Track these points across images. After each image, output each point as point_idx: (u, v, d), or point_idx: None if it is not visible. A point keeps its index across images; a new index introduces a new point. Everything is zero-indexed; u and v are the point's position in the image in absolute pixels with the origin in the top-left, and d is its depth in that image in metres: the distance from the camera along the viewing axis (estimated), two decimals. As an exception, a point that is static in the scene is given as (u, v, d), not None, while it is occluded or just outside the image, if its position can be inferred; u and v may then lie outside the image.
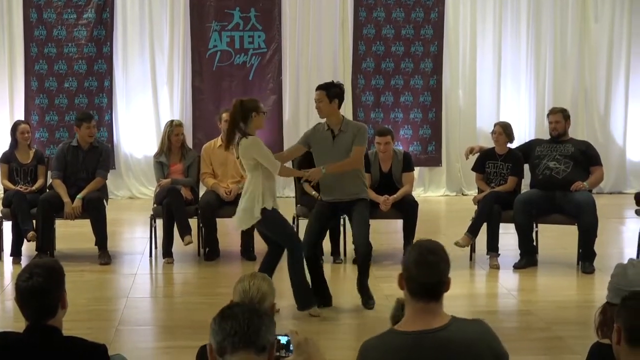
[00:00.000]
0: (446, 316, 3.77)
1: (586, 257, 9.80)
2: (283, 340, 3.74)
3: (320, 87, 8.36)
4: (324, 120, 8.44)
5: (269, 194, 7.86)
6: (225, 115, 10.54)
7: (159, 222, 10.37)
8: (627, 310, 3.47)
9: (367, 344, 3.79)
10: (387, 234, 11.05)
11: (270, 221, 7.93)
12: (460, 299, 8.36)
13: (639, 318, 3.43)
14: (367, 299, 8.31)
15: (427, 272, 3.73)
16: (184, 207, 10.19)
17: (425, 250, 3.80)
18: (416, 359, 3.65)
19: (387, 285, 8.73)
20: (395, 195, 10.00)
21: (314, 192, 10.05)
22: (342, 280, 9.75)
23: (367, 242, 8.24)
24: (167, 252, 10.19)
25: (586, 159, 10.07)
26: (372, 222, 9.93)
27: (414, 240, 4.73)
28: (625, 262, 4.32)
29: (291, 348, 3.74)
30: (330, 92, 8.26)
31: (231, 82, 15.37)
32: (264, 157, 7.80)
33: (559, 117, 10.19)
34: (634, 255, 9.91)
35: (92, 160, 10.32)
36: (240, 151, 7.85)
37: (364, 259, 8.26)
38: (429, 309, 3.73)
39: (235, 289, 4.26)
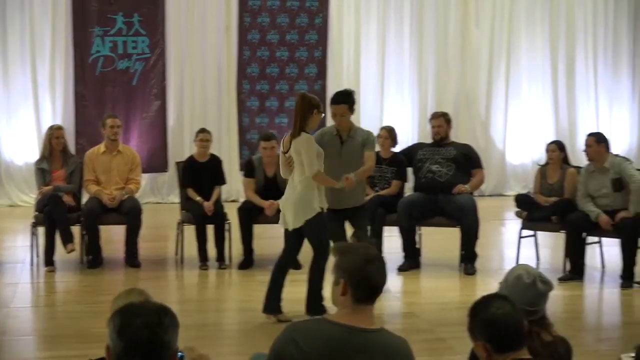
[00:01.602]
0: (377, 323, 3.81)
1: (468, 259, 9.97)
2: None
3: (339, 101, 8.38)
4: (331, 124, 8.55)
5: (321, 194, 7.82)
6: (110, 121, 10.43)
7: (41, 230, 10.19)
8: (482, 324, 3.52)
9: (296, 325, 3.78)
10: (272, 239, 11.04)
11: (319, 221, 7.80)
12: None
13: (498, 325, 3.48)
14: None
15: (378, 275, 3.77)
16: (66, 214, 10.02)
17: (371, 255, 3.82)
18: (344, 352, 3.66)
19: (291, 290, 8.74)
20: (280, 200, 9.99)
21: (198, 198, 10.05)
22: (227, 286, 9.74)
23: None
24: (49, 261, 10.00)
25: (468, 162, 10.24)
26: (256, 227, 9.97)
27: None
28: (523, 270, 4.37)
29: None
30: (351, 103, 8.37)
31: (114, 87, 15.17)
32: (307, 156, 7.70)
33: (441, 121, 10.34)
34: (514, 256, 10.10)
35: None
36: (293, 146, 7.77)
37: None
38: (367, 311, 3.77)
39: (112, 308, 4.13)
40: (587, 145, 9.65)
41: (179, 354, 3.50)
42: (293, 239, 7.95)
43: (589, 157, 9.65)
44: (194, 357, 3.58)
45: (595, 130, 12.10)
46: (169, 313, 3.06)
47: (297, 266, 9.23)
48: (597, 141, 9.61)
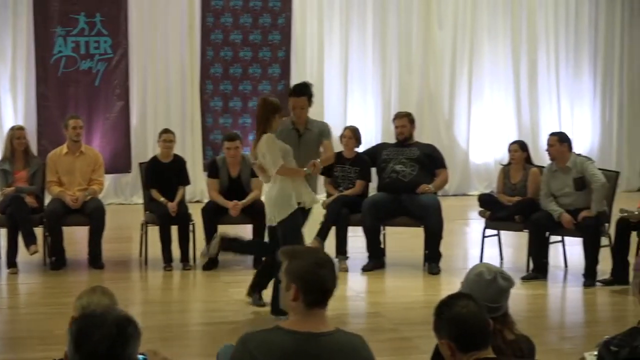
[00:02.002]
0: (331, 325, 3.80)
1: (432, 258, 10.00)
2: (140, 358, 3.52)
3: (301, 94, 8.41)
4: (286, 119, 8.51)
5: (298, 192, 7.86)
6: (72, 122, 10.37)
7: (3, 232, 10.12)
8: (447, 322, 3.52)
9: (250, 336, 3.74)
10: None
11: (295, 219, 7.87)
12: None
13: (462, 323, 3.49)
14: None
15: (330, 279, 3.76)
16: (28, 216, 9.95)
17: (321, 259, 3.82)
18: (301, 359, 3.66)
19: (237, 291, 8.74)
20: (244, 201, 10.00)
21: (161, 199, 10.01)
22: (191, 287, 9.72)
23: None
24: (11, 262, 9.93)
25: (431, 162, 10.27)
26: (220, 227, 9.94)
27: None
28: (484, 267, 4.39)
29: None
30: (310, 95, 8.41)
31: (77, 88, 15.05)
32: (270, 154, 7.77)
33: (405, 121, 10.36)
34: (478, 255, 10.15)
35: None
36: (258, 150, 7.88)
37: None
38: (320, 314, 3.75)
39: (75, 306, 4.11)
40: (550, 144, 9.71)
41: (141, 356, 3.44)
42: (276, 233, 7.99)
43: (552, 157, 9.71)
44: None
45: (557, 130, 12.18)
46: (131, 323, 2.95)
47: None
48: (560, 140, 9.68)
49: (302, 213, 8.07)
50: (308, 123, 8.60)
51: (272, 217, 7.90)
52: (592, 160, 9.99)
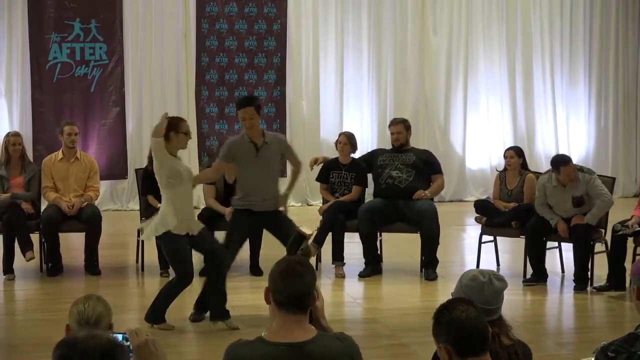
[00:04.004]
0: (312, 330, 3.80)
1: (429, 264, 9.99)
2: (119, 338, 3.27)
3: (245, 104, 8.35)
4: (241, 133, 8.51)
5: (175, 215, 7.73)
6: (67, 128, 10.35)
7: (-1, 238, 10.11)
8: (445, 326, 3.51)
9: (235, 349, 3.76)
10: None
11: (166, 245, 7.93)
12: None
13: (461, 328, 3.49)
14: None
15: (294, 282, 3.75)
16: (25, 222, 9.94)
17: (293, 261, 3.85)
18: None
19: (233, 297, 8.72)
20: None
21: (158, 205, 9.99)
22: (187, 293, 9.70)
23: None
24: (8, 269, 9.92)
25: (427, 167, 10.28)
26: (216, 233, 9.94)
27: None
28: (476, 271, 4.41)
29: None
30: (257, 106, 8.39)
31: (72, 94, 15.05)
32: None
33: (401, 127, 10.37)
34: (475, 261, 10.15)
35: None
36: None
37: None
38: (297, 320, 3.75)
39: (71, 312, 4.12)
40: (567, 173, 9.48)
41: (122, 335, 3.32)
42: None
43: (565, 181, 9.49)
44: (139, 343, 3.28)
45: (553, 139, 12.13)
46: (116, 349, 2.85)
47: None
48: (573, 167, 9.51)
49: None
50: (265, 136, 8.49)
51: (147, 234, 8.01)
52: (594, 172, 9.78)
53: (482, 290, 4.26)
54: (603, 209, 9.41)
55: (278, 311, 3.76)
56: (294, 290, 3.74)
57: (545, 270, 9.70)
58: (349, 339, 3.88)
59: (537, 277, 9.63)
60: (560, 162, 9.57)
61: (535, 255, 9.67)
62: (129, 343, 3.27)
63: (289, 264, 3.83)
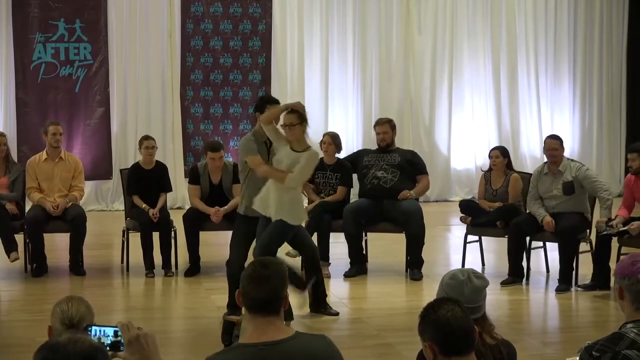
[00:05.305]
0: (290, 330, 3.80)
1: (414, 264, 10.00)
2: (109, 332, 3.28)
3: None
4: (252, 131, 8.54)
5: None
6: (52, 128, 10.31)
7: (-17, 239, 10.07)
8: (431, 325, 3.51)
9: (214, 357, 3.73)
10: (218, 245, 11.00)
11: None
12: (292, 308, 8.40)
13: (445, 327, 3.48)
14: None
15: (259, 286, 3.74)
16: (9, 223, 9.91)
17: (259, 265, 3.83)
18: None
19: (219, 297, 8.71)
20: (226, 207, 9.98)
21: (143, 205, 9.98)
22: (173, 293, 9.70)
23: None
24: (-8, 270, 9.91)
25: (412, 168, 10.29)
26: (202, 234, 9.94)
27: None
28: (455, 270, 4.43)
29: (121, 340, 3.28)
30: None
31: (57, 94, 15.02)
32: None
33: (386, 127, 10.37)
34: (460, 261, 10.16)
35: None
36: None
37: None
38: (269, 322, 3.74)
39: (54, 312, 4.12)
40: (553, 148, 9.65)
41: (112, 329, 3.29)
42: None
43: (552, 160, 9.64)
44: (131, 337, 3.24)
45: (537, 138, 12.21)
46: (98, 354, 2.79)
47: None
48: (562, 144, 9.71)
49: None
50: None
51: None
52: (584, 165, 9.90)
53: (462, 289, 4.27)
54: (610, 202, 9.45)
55: (249, 314, 3.77)
56: (260, 294, 3.73)
57: (522, 268, 9.71)
58: (329, 340, 3.88)
59: (514, 276, 9.64)
60: (550, 135, 10.05)
61: (515, 254, 9.67)
62: (120, 337, 3.25)
63: (254, 268, 3.82)
